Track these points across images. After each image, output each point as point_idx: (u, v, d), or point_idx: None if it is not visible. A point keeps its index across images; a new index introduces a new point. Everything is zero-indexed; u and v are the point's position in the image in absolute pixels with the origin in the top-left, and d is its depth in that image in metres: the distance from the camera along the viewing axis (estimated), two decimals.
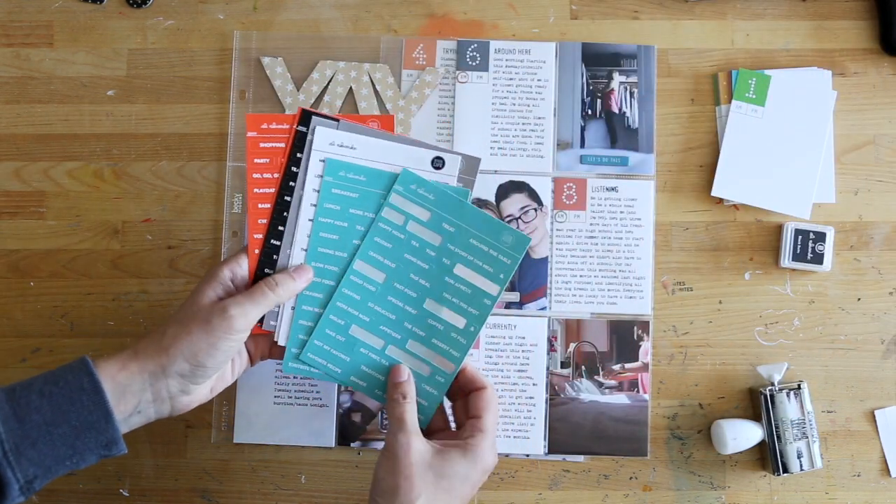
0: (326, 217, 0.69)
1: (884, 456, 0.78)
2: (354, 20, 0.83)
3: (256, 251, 0.69)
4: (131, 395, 0.61)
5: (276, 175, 0.69)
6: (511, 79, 0.81)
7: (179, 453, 0.79)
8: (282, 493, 0.79)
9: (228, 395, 0.78)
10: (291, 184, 0.69)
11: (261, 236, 0.69)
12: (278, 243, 0.69)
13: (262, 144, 0.70)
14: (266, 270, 0.69)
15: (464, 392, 0.69)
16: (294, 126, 0.69)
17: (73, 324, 0.80)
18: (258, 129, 0.69)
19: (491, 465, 0.65)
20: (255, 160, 0.69)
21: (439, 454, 0.63)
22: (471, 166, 0.70)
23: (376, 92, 0.81)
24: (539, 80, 0.81)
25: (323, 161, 0.69)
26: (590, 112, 0.81)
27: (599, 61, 0.82)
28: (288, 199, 0.69)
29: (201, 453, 0.79)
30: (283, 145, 0.69)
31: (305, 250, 0.69)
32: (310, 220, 0.69)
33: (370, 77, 0.81)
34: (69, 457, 0.59)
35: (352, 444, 0.78)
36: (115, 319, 0.80)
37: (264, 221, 0.69)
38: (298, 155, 0.69)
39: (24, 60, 0.83)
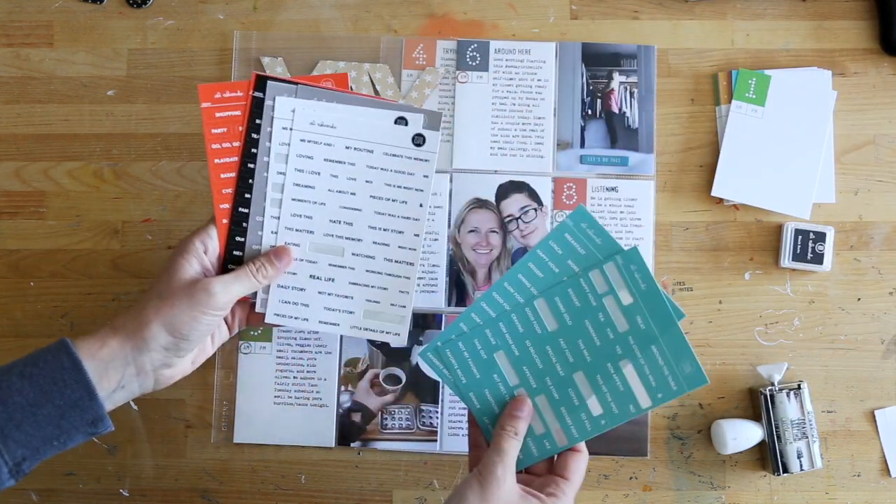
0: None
1: (884, 456, 0.78)
2: (354, 20, 0.83)
3: (225, 221, 0.70)
4: (114, 370, 0.62)
5: (235, 144, 0.70)
6: (511, 79, 0.81)
7: (179, 453, 0.79)
8: (282, 493, 0.79)
9: (228, 395, 0.79)
10: (253, 150, 0.70)
11: (227, 206, 0.70)
12: (246, 211, 0.70)
13: (217, 114, 0.70)
14: (237, 239, 0.70)
15: None
16: (250, 92, 0.70)
17: (73, 324, 0.80)
18: (212, 98, 0.70)
19: None
20: (213, 130, 0.70)
21: (523, 500, 0.62)
22: (433, 120, 0.70)
23: (376, 92, 0.81)
24: (539, 80, 0.81)
25: (310, 142, 0.69)
26: (590, 112, 0.81)
27: (599, 61, 0.82)
28: (251, 166, 0.70)
29: (201, 453, 0.79)
30: (238, 113, 0.70)
31: (277, 218, 0.70)
32: (279, 191, 0.70)
33: (370, 77, 0.81)
34: (56, 436, 0.59)
35: (352, 444, 0.78)
36: None
37: (229, 191, 0.70)
38: (258, 121, 0.70)
39: (24, 60, 0.83)
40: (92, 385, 0.60)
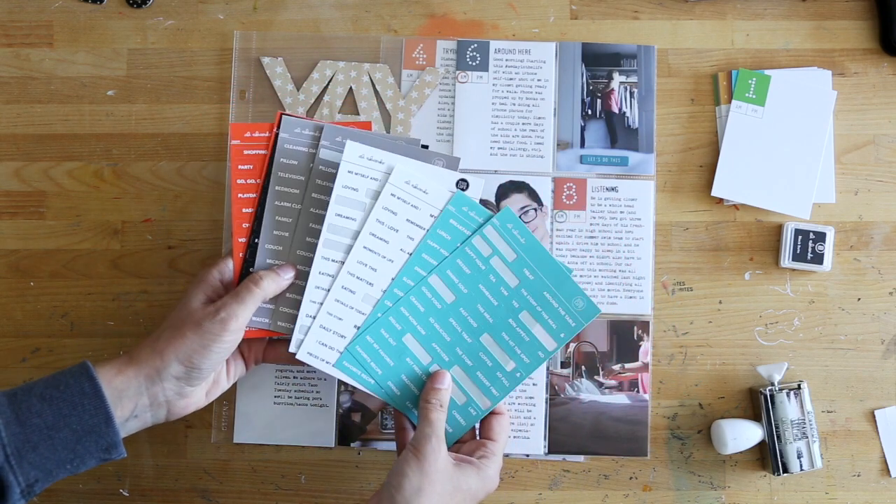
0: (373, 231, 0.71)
1: (884, 456, 0.78)
2: (354, 20, 0.83)
3: (241, 254, 0.71)
4: (128, 399, 0.63)
5: (258, 181, 0.72)
6: (511, 79, 0.81)
7: (179, 453, 0.79)
8: (282, 493, 0.79)
9: (228, 395, 0.78)
10: (277, 188, 0.72)
11: (244, 240, 0.71)
12: (257, 241, 0.72)
13: (245, 152, 0.72)
14: (250, 270, 0.71)
15: None
16: (275, 132, 0.72)
17: (73, 324, 0.80)
18: (241, 137, 0.72)
19: (494, 488, 0.68)
20: (240, 166, 0.72)
21: (458, 468, 0.65)
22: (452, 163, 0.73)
23: (376, 92, 0.81)
24: (539, 80, 0.81)
25: (399, 199, 0.71)
26: (590, 112, 0.81)
27: (599, 61, 0.82)
28: (296, 206, 0.72)
29: (201, 453, 0.79)
30: (264, 152, 0.72)
31: (329, 260, 0.71)
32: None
33: (370, 77, 0.81)
34: (70, 460, 0.59)
35: (352, 444, 0.78)
36: (115, 319, 0.80)
37: (248, 226, 0.72)
38: (283, 160, 0.72)
39: (24, 60, 0.83)
40: (111, 412, 0.60)
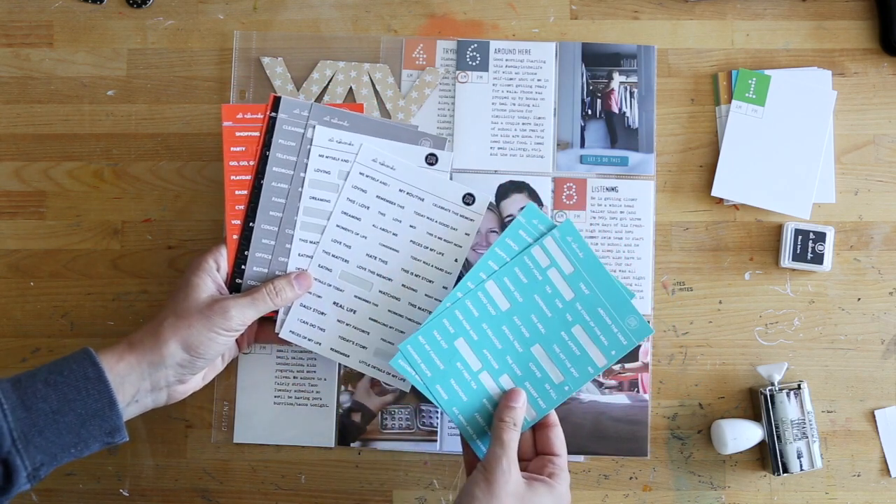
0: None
1: (884, 456, 0.78)
2: (354, 20, 0.83)
3: (235, 237, 0.72)
4: (130, 384, 0.64)
5: (251, 163, 0.73)
6: (511, 79, 0.81)
7: (179, 453, 0.79)
8: (282, 493, 0.79)
9: (228, 396, 0.78)
10: (275, 169, 0.73)
11: (238, 223, 0.72)
12: (252, 224, 0.73)
13: (237, 133, 0.73)
14: (245, 253, 0.72)
15: (531, 428, 0.71)
16: (267, 113, 0.73)
17: (73, 324, 0.80)
18: (234, 118, 0.73)
19: None
20: (232, 149, 0.73)
21: (530, 489, 0.64)
22: (439, 143, 0.75)
23: (376, 92, 0.81)
24: (539, 80, 0.81)
25: (368, 177, 0.73)
26: (590, 112, 0.81)
27: (599, 61, 0.82)
28: (263, 183, 0.73)
29: (201, 453, 0.79)
30: (257, 134, 0.73)
31: (306, 241, 0.72)
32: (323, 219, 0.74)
33: (370, 77, 0.81)
34: (74, 444, 0.60)
35: (352, 444, 0.78)
36: (115, 319, 0.80)
37: (241, 208, 0.72)
38: (281, 141, 0.73)
39: (24, 60, 0.82)
40: (114, 395, 0.61)
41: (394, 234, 0.74)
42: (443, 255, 0.74)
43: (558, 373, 0.70)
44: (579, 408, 0.78)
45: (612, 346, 0.70)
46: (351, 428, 0.78)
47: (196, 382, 0.70)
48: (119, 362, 0.64)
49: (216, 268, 0.70)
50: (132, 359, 0.64)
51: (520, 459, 0.68)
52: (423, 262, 0.74)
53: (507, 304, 0.70)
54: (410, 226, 0.74)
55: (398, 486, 0.79)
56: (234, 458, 0.79)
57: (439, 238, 0.74)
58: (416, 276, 0.74)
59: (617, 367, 0.78)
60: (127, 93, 0.82)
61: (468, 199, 0.74)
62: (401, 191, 0.74)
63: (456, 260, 0.74)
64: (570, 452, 0.77)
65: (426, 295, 0.74)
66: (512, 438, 0.65)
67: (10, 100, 0.82)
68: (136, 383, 0.64)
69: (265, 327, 0.75)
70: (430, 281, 0.74)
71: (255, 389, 0.78)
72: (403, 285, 0.74)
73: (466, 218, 0.74)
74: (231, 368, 0.78)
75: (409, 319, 0.74)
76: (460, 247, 0.74)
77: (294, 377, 0.79)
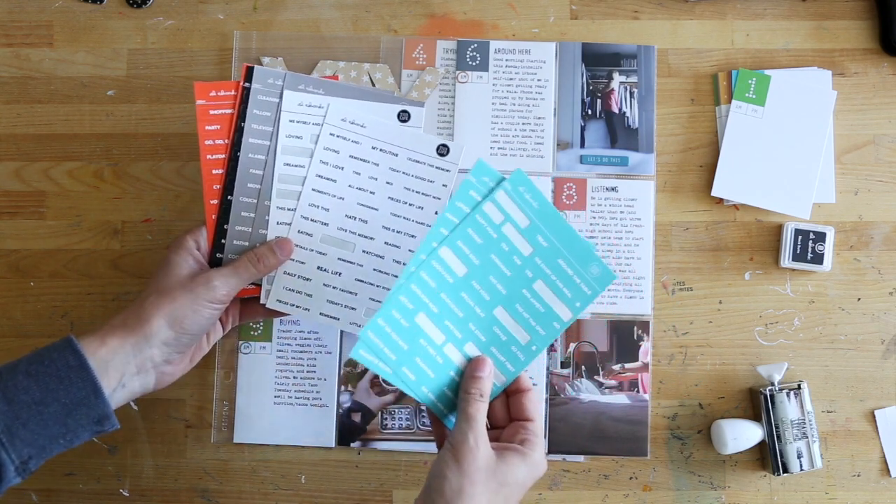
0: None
1: (884, 456, 0.78)
2: (354, 20, 0.83)
3: (214, 216, 0.72)
4: (114, 369, 0.62)
5: (226, 141, 0.72)
6: (511, 79, 0.81)
7: (179, 453, 0.79)
8: (282, 493, 0.79)
9: (228, 395, 0.78)
10: (251, 140, 0.73)
11: (216, 202, 0.72)
12: (231, 198, 0.73)
13: (211, 112, 0.72)
14: (224, 227, 0.72)
15: (504, 392, 0.68)
16: (241, 83, 0.73)
17: (73, 324, 0.80)
18: (207, 96, 0.72)
19: (543, 473, 0.63)
20: (206, 127, 0.72)
21: (501, 460, 0.61)
22: (417, 110, 0.74)
23: None
24: (539, 80, 0.81)
25: (339, 137, 0.73)
26: (590, 112, 0.81)
27: (599, 61, 0.82)
28: (260, 158, 0.73)
29: (201, 453, 0.79)
30: (231, 112, 0.72)
31: (283, 209, 0.72)
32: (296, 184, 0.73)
33: (370, 77, 0.81)
34: (62, 435, 0.60)
35: (352, 444, 0.78)
36: None
37: (219, 187, 0.72)
38: (256, 111, 0.73)
39: (24, 60, 0.82)
40: (98, 382, 0.60)
41: (371, 192, 0.73)
42: (422, 208, 0.73)
43: (524, 333, 0.67)
44: (579, 408, 0.78)
45: (576, 298, 0.66)
46: (351, 428, 0.78)
47: (184, 364, 0.69)
48: (101, 346, 0.62)
49: (196, 246, 0.70)
50: (115, 341, 0.63)
51: (493, 427, 0.66)
52: (404, 218, 0.73)
53: (463, 270, 0.65)
54: (387, 182, 0.73)
55: (398, 486, 0.79)
56: (233, 458, 0.79)
57: (417, 192, 0.73)
58: (397, 232, 0.73)
59: (617, 368, 0.78)
60: (127, 93, 0.82)
61: (442, 149, 0.73)
62: (373, 148, 0.73)
63: (436, 212, 0.73)
64: (570, 452, 0.78)
65: (410, 250, 0.73)
66: (478, 410, 0.62)
67: (10, 100, 0.82)
68: (120, 367, 0.63)
69: (249, 304, 0.74)
70: (412, 236, 0.73)
71: (255, 389, 0.78)
72: (386, 243, 0.73)
73: (442, 169, 0.73)
74: (231, 368, 0.79)
75: (396, 276, 0.72)
76: (439, 198, 0.73)
77: (294, 377, 0.79)
